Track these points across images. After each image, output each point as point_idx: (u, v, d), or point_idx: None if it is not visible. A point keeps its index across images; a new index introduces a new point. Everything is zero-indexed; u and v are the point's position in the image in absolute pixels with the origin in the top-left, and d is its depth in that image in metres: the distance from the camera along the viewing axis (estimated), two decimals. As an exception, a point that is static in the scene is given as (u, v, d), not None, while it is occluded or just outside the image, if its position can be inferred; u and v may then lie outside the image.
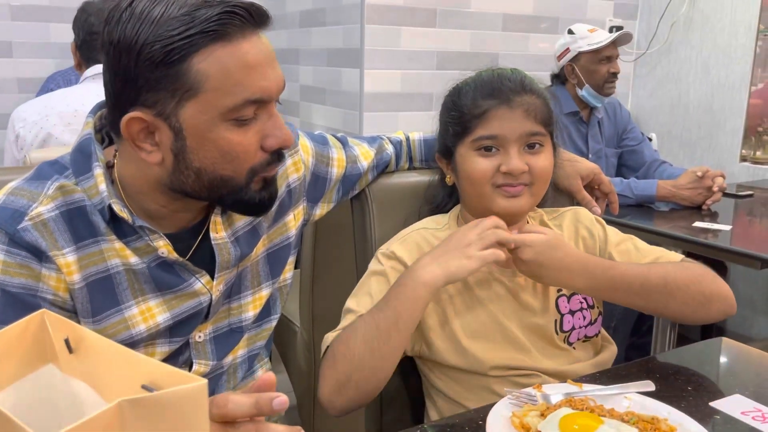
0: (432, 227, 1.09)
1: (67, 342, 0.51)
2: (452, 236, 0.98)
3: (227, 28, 0.76)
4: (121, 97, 0.79)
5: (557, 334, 1.05)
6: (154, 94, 0.77)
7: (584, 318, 1.07)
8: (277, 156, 0.85)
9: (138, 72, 0.76)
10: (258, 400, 0.64)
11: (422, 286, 0.92)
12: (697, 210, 2.06)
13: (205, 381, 0.42)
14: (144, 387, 0.45)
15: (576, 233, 1.12)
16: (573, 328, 1.06)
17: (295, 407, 1.80)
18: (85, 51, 1.90)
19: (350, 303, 1.02)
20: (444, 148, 1.09)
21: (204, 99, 0.77)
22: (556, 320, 1.05)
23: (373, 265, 1.06)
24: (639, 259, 1.07)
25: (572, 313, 1.06)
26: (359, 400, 0.93)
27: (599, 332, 1.11)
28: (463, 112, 1.03)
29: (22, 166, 1.41)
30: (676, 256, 1.07)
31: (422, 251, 1.04)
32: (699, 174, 2.03)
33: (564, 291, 1.06)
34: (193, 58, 0.76)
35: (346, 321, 0.99)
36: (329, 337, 0.97)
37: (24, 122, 1.75)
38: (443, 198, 1.16)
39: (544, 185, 1.05)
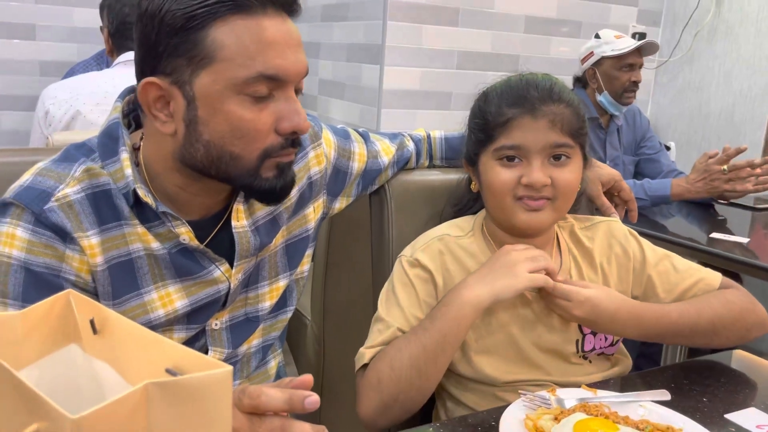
0: (455, 234, 1.06)
1: (92, 322, 0.51)
2: (498, 255, 0.97)
3: (248, 2, 0.77)
4: (143, 65, 0.81)
5: (578, 352, 1.03)
6: (172, 60, 0.78)
7: (606, 339, 1.05)
8: (291, 142, 0.84)
9: (159, 38, 0.78)
10: (291, 396, 0.64)
11: (468, 305, 0.92)
12: (716, 221, 2.05)
13: (230, 368, 0.43)
14: (168, 371, 0.45)
15: (609, 249, 1.08)
16: (594, 348, 1.04)
17: (302, 399, 1.80)
18: (118, 39, 1.94)
19: (381, 314, 1.00)
20: (469, 154, 1.07)
21: (217, 68, 0.77)
22: (578, 340, 1.03)
23: (397, 274, 1.04)
24: (678, 281, 1.05)
25: (594, 333, 1.04)
26: (401, 418, 0.94)
27: (618, 353, 1.09)
28: (486, 120, 1.00)
29: (46, 144, 1.44)
30: (716, 277, 1.06)
31: (444, 260, 1.03)
32: (703, 161, 2.02)
33: None
34: (211, 27, 0.77)
35: (379, 335, 0.98)
36: (365, 353, 0.96)
37: (54, 99, 1.79)
38: (468, 202, 1.13)
39: (568, 200, 1.01)
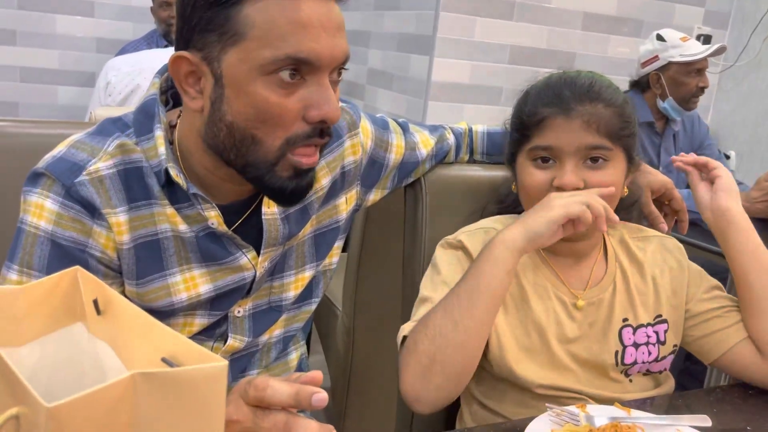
0: (498, 227, 1.03)
1: (95, 303, 0.49)
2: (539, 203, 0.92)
3: None
4: (180, 38, 0.79)
5: (617, 365, 0.98)
6: (204, 35, 0.76)
7: (649, 353, 0.99)
8: (319, 132, 0.79)
9: (194, 11, 0.75)
10: (299, 391, 0.61)
11: (500, 244, 0.88)
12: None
13: (225, 362, 0.40)
14: (164, 360, 0.42)
15: (663, 262, 1.04)
16: (635, 362, 0.98)
17: (328, 389, 1.79)
18: None
19: (424, 293, 0.97)
20: (508, 153, 1.04)
21: (246, 47, 0.74)
22: (617, 351, 0.98)
23: (440, 254, 1.01)
24: (734, 314, 1.00)
25: (636, 346, 0.99)
26: (447, 388, 0.87)
27: (665, 370, 1.03)
28: (522, 119, 0.98)
29: (89, 119, 1.47)
30: None
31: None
32: None
33: (630, 321, 0.99)
34: (245, 2, 0.74)
35: (422, 310, 0.94)
36: (405, 327, 0.93)
37: (118, 71, 1.86)
38: (514, 201, 1.09)
39: (606, 203, 0.95)
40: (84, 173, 0.80)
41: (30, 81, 3.03)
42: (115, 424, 0.36)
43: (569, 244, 0.99)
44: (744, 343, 0.98)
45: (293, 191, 0.81)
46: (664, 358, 1.00)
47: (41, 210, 0.80)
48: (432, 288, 0.96)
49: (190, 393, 0.38)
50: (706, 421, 0.82)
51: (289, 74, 0.75)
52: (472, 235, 1.02)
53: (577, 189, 0.92)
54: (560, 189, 0.93)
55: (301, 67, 0.75)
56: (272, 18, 0.74)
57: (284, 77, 0.75)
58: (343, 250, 1.07)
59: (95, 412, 0.35)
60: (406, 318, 1.18)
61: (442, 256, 1.01)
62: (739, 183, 2.27)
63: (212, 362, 0.39)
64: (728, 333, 0.99)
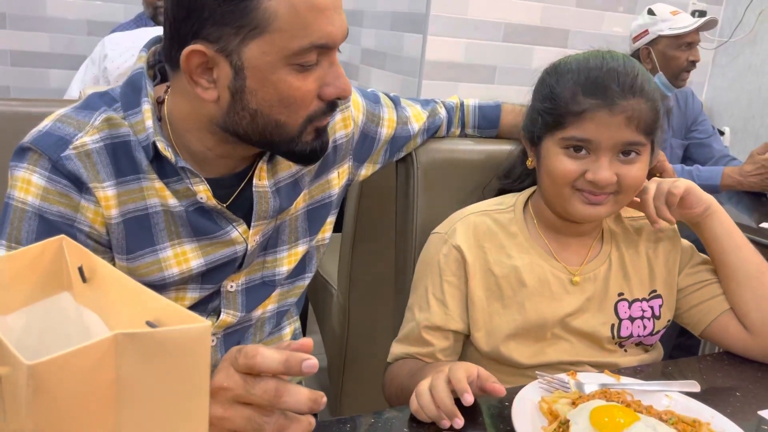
0: (493, 207, 1.03)
1: (80, 270, 0.49)
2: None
3: None
4: (183, 28, 0.77)
5: (613, 338, 0.99)
6: (218, 28, 0.75)
7: (644, 328, 1.00)
8: (332, 105, 0.83)
9: (204, 3, 0.74)
10: (288, 358, 0.61)
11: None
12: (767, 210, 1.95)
13: (207, 323, 0.40)
14: (148, 323, 0.42)
15: (657, 240, 1.05)
16: (631, 335, 0.99)
17: (325, 369, 1.80)
18: None
19: (410, 302, 1.03)
20: (531, 132, 1.00)
21: (270, 39, 0.75)
22: (613, 324, 0.99)
23: (427, 250, 1.04)
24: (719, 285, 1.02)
25: (632, 319, 0.99)
26: None
27: (655, 343, 1.05)
28: (558, 105, 0.93)
29: (79, 97, 1.47)
30: None
31: (478, 238, 1.00)
32: (762, 151, 1.93)
33: (626, 296, 1.00)
34: None
35: (405, 325, 1.02)
36: (391, 350, 1.03)
37: (117, 45, 1.89)
38: (520, 175, 1.08)
39: (632, 195, 0.96)
40: (70, 147, 0.80)
41: (21, 65, 3.01)
42: (98, 384, 0.36)
43: (575, 224, 1.00)
44: (729, 312, 0.99)
45: (321, 149, 0.86)
46: (658, 332, 1.01)
47: (28, 185, 0.80)
48: (413, 298, 1.02)
49: (173, 353, 0.38)
50: (694, 386, 0.83)
51: (310, 60, 0.77)
52: (463, 223, 1.01)
53: (611, 184, 0.92)
54: (594, 184, 0.91)
55: (319, 51, 0.77)
56: (294, 8, 0.74)
57: (305, 63, 0.77)
58: (338, 228, 1.07)
59: (77, 371, 0.35)
60: (399, 296, 1.19)
61: (427, 254, 1.03)
62: (733, 159, 2.28)
63: (195, 323, 0.40)
64: (714, 303, 1.00)
